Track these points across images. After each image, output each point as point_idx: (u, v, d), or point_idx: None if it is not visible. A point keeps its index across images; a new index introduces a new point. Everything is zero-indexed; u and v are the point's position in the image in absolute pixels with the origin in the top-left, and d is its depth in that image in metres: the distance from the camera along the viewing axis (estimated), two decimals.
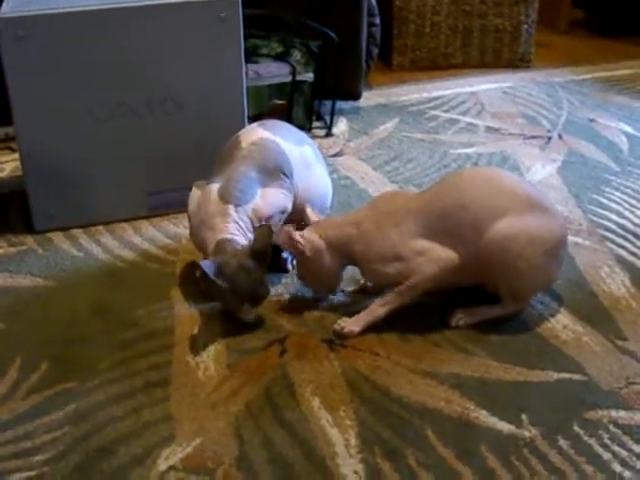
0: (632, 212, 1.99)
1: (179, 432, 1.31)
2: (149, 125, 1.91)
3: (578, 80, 2.97)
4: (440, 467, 1.23)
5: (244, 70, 1.94)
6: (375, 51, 2.75)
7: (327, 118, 2.50)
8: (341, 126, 2.55)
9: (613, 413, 1.33)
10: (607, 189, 2.11)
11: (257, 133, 1.71)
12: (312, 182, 1.75)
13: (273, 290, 1.64)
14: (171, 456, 1.26)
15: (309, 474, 1.23)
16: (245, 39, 1.93)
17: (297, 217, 1.69)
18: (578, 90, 2.86)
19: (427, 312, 1.59)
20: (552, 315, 1.59)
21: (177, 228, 1.95)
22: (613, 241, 1.86)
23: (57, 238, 1.91)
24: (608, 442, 1.27)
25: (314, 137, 2.37)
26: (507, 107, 2.71)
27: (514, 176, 1.67)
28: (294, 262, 1.67)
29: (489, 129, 2.53)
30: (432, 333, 1.54)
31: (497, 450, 1.26)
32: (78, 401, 1.38)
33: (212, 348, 1.51)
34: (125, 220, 1.97)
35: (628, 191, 2.10)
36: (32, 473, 1.24)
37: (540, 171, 2.23)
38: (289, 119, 2.26)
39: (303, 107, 2.42)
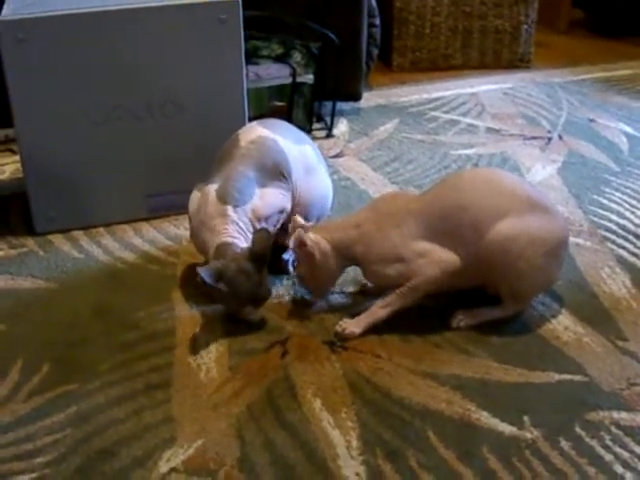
0: (632, 212, 1.99)
1: (180, 434, 1.31)
2: (149, 128, 1.90)
3: (578, 80, 2.97)
4: (441, 468, 1.23)
5: (244, 72, 1.94)
6: (375, 52, 2.75)
7: (327, 119, 2.50)
8: (341, 127, 2.55)
9: (615, 414, 1.33)
10: (607, 189, 2.11)
11: (256, 131, 1.71)
12: (313, 184, 1.75)
13: (274, 292, 1.64)
14: (172, 458, 1.26)
15: (311, 476, 1.23)
16: (245, 40, 1.93)
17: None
18: (578, 90, 2.86)
19: (428, 314, 1.59)
20: (553, 316, 1.59)
21: (177, 229, 1.95)
22: (614, 242, 1.86)
23: (58, 240, 1.91)
24: (610, 443, 1.27)
25: (314, 138, 2.36)
26: (507, 108, 2.71)
27: (514, 177, 1.67)
28: (295, 264, 1.67)
29: (489, 130, 2.52)
30: (433, 334, 1.54)
31: (498, 451, 1.26)
32: (79, 403, 1.38)
33: (213, 350, 1.51)
34: (125, 222, 1.98)
35: (628, 191, 2.10)
36: (33, 475, 1.24)
37: (540, 172, 2.23)
38: (289, 121, 2.25)
39: (303, 109, 2.42)
